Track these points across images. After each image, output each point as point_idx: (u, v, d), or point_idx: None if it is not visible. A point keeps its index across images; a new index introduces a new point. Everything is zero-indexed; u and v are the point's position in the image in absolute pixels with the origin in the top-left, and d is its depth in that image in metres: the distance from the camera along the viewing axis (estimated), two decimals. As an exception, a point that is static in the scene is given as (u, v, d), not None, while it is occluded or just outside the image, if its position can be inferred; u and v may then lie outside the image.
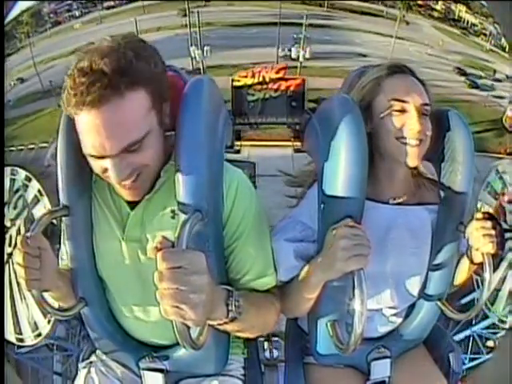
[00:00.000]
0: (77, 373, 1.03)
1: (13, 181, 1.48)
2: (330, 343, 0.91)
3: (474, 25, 21.64)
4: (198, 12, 17.02)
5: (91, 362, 1.03)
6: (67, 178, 0.85)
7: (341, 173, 0.83)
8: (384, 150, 0.92)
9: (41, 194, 1.48)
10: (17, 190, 1.47)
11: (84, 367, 1.02)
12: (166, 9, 20.12)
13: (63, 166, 0.84)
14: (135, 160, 0.74)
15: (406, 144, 0.89)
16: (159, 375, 0.95)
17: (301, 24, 16.92)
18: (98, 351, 1.04)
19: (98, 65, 0.67)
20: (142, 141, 0.73)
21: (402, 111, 0.89)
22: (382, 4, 21.86)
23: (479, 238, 0.85)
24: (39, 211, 1.47)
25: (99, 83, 0.66)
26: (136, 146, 0.72)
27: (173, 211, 0.82)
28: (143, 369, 0.96)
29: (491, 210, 1.45)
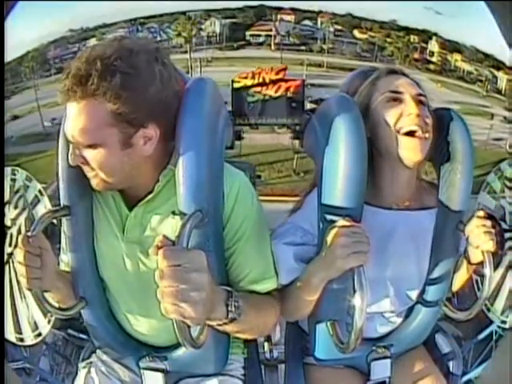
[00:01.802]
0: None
1: (13, 181, 1.48)
2: (331, 344, 0.91)
3: (470, 72, 22.17)
4: (200, 71, 17.29)
5: (91, 362, 1.03)
6: (68, 178, 0.85)
7: (340, 172, 0.83)
8: (385, 149, 0.91)
9: (41, 194, 1.48)
10: (17, 190, 1.47)
11: (84, 367, 1.02)
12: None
13: (64, 166, 0.84)
14: (88, 158, 0.77)
15: (406, 135, 0.87)
16: (159, 375, 0.96)
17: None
18: (98, 351, 1.04)
19: (71, 65, 0.73)
20: (90, 146, 0.75)
21: (398, 101, 0.89)
22: (379, 61, 22.44)
23: (479, 235, 0.85)
24: (40, 211, 1.47)
25: (64, 82, 0.73)
26: (85, 147, 0.76)
27: (173, 212, 0.82)
28: (143, 368, 0.96)
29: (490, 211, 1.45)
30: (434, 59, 23.00)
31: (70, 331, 1.96)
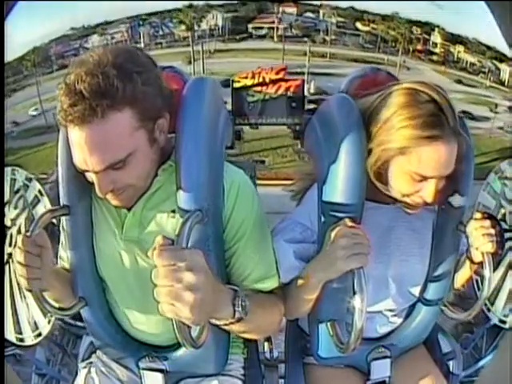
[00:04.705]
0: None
1: (13, 181, 1.48)
2: (331, 343, 0.91)
3: (473, 64, 22.27)
4: (202, 62, 17.27)
5: (91, 362, 1.03)
6: (67, 177, 0.85)
7: (340, 173, 0.83)
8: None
9: (41, 194, 1.47)
10: (17, 190, 1.47)
11: (84, 367, 1.02)
12: (171, 58, 20.99)
13: (63, 165, 0.84)
14: (119, 178, 0.75)
15: (408, 199, 0.86)
16: (159, 375, 0.96)
17: (303, 73, 17.08)
18: (98, 351, 1.04)
19: (80, 84, 0.67)
20: (125, 160, 0.73)
21: (421, 180, 0.83)
22: (382, 52, 22.65)
23: (479, 237, 0.86)
24: (40, 211, 1.47)
25: (79, 106, 0.67)
26: (119, 164, 0.73)
27: (173, 211, 0.82)
28: (143, 369, 0.96)
29: (490, 211, 1.45)
30: (436, 50, 23.05)
31: (66, 319, 1.92)
